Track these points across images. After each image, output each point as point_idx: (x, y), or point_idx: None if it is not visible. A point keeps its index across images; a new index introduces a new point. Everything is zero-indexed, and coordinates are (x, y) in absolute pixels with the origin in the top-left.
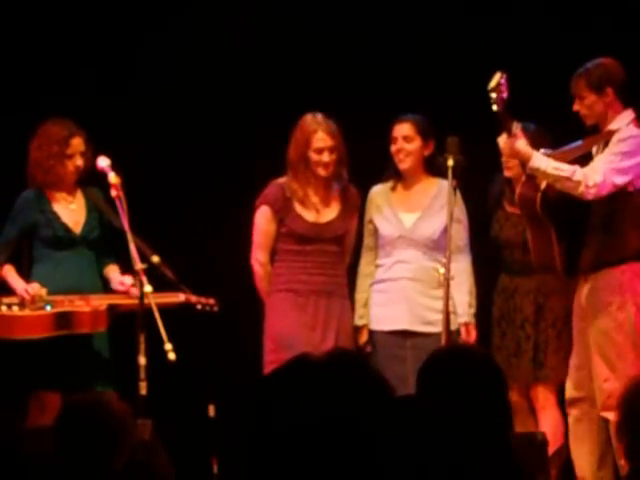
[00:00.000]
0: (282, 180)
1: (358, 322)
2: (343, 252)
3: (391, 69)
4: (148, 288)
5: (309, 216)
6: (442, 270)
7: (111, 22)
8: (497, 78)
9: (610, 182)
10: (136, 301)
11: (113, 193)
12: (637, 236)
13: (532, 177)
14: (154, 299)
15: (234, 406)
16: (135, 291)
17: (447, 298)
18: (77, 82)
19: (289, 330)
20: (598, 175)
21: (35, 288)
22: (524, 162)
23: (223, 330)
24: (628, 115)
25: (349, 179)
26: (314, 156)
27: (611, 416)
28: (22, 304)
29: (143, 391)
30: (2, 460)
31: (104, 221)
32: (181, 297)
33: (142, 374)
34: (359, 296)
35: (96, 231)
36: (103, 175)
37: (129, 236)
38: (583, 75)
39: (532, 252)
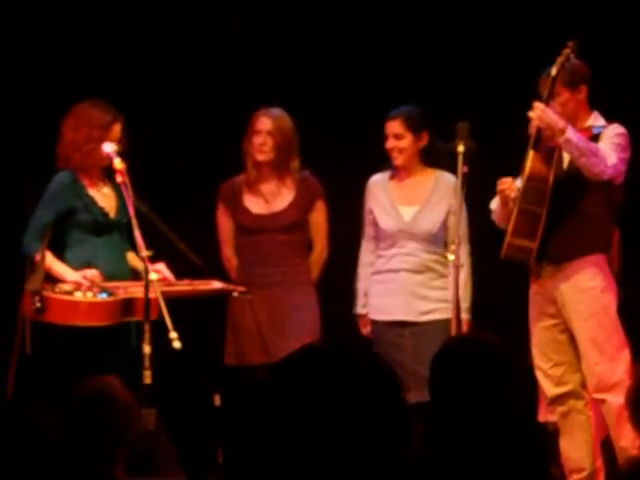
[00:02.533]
0: (239, 177)
1: (360, 310)
2: (302, 241)
3: (399, 54)
4: (154, 275)
5: (256, 207)
6: (451, 257)
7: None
8: (570, 46)
9: (620, 167)
10: (174, 289)
11: (119, 179)
12: (612, 229)
13: (542, 152)
14: (190, 287)
15: (240, 396)
16: (171, 278)
17: (456, 286)
18: (77, 72)
19: (244, 328)
20: (612, 157)
21: (95, 274)
22: (557, 133)
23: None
24: (598, 115)
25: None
26: (254, 139)
27: (605, 397)
28: (73, 291)
29: (148, 380)
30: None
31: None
32: (216, 285)
33: (147, 363)
34: (360, 285)
35: (126, 216)
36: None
37: (134, 222)
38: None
39: (510, 241)
